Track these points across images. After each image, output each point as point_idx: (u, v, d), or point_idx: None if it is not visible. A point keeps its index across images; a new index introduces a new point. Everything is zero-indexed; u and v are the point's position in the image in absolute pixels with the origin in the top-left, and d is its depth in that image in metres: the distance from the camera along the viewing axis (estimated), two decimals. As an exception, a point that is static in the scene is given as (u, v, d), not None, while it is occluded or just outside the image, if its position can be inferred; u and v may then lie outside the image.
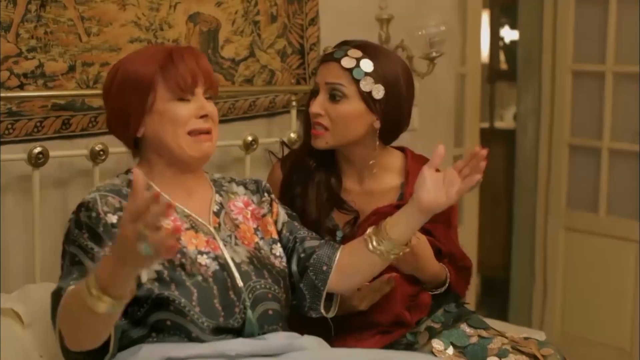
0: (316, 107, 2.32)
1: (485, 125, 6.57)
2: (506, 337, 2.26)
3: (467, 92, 4.25)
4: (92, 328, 1.75)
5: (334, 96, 2.30)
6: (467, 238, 4.13)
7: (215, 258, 1.98)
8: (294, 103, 3.00)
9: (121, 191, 2.00)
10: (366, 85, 2.29)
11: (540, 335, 2.59)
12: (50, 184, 2.56)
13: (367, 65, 2.29)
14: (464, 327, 2.27)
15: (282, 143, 2.63)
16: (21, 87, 2.46)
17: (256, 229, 2.14)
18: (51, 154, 2.47)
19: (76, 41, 2.56)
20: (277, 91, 3.01)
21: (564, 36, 4.47)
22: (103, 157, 2.55)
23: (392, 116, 2.34)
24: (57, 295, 1.84)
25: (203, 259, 1.96)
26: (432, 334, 2.27)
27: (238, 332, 1.93)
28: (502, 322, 2.87)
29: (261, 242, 2.12)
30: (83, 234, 1.91)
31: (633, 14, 4.16)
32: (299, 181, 2.40)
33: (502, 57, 7.37)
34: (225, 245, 2.03)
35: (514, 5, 5.18)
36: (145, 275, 1.88)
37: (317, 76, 2.37)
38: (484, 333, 2.27)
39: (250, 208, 2.16)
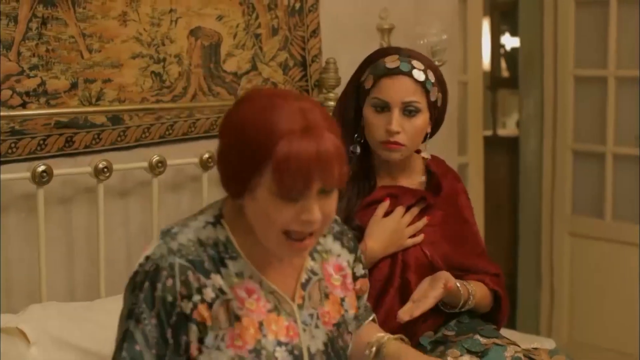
0: (397, 125, 2.28)
1: (488, 133, 6.57)
2: (519, 346, 2.26)
3: (470, 100, 4.24)
4: None
5: (410, 112, 2.30)
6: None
7: (292, 350, 1.76)
8: (297, 115, 2.98)
9: (203, 264, 1.70)
10: (433, 95, 2.33)
11: (550, 344, 2.59)
12: (54, 202, 2.56)
13: (431, 75, 2.33)
14: (477, 337, 2.27)
15: None
16: (24, 105, 2.46)
17: (343, 300, 1.89)
18: (55, 171, 2.46)
19: (78, 58, 2.56)
20: (279, 104, 3.00)
21: (565, 41, 4.46)
22: (107, 174, 2.55)
23: (440, 119, 2.41)
24: None
25: (280, 353, 1.74)
26: (447, 343, 2.27)
27: None
28: (511, 330, 2.86)
29: (345, 316, 1.89)
30: (151, 318, 1.67)
31: (634, 17, 4.15)
32: None
33: (503, 64, 7.36)
34: (304, 331, 1.80)
35: (514, 12, 5.18)
36: None
37: (383, 92, 2.30)
38: (497, 341, 2.27)
39: (340, 274, 1.91)
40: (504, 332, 2.46)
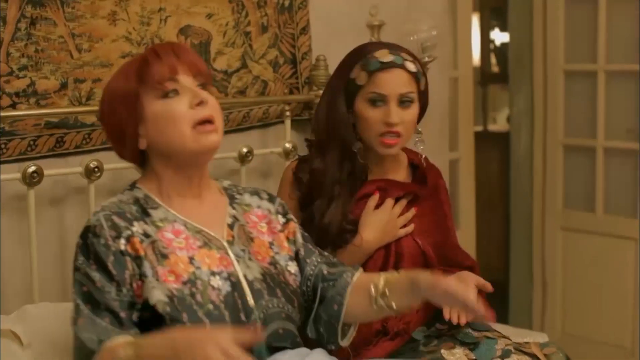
0: (396, 116, 2.33)
1: (479, 128, 6.57)
2: (509, 339, 2.28)
3: (460, 95, 4.24)
4: None
5: (404, 102, 2.34)
6: (465, 242, 4.12)
7: (228, 277, 1.90)
8: (287, 113, 2.98)
9: (125, 214, 1.90)
10: (422, 84, 2.39)
11: (543, 337, 2.59)
12: (46, 203, 2.55)
13: (418, 65, 2.39)
14: (469, 330, 2.29)
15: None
16: (13, 106, 2.45)
17: (271, 243, 2.07)
18: (45, 172, 2.45)
19: (67, 58, 2.54)
20: (270, 102, 3.00)
21: (554, 36, 4.46)
22: (98, 174, 2.54)
23: (426, 105, 2.46)
24: (89, 352, 1.78)
25: (216, 281, 1.88)
26: (440, 337, 2.28)
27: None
28: (504, 325, 2.86)
29: (277, 257, 2.06)
30: (91, 265, 1.84)
31: (623, 11, 4.16)
32: (321, 194, 2.39)
33: (493, 59, 7.37)
34: (238, 261, 1.95)
35: (504, 7, 5.18)
36: (155, 297, 1.81)
37: (379, 86, 2.33)
38: (489, 334, 2.28)
39: (265, 221, 2.09)
40: (497, 326, 2.47)
